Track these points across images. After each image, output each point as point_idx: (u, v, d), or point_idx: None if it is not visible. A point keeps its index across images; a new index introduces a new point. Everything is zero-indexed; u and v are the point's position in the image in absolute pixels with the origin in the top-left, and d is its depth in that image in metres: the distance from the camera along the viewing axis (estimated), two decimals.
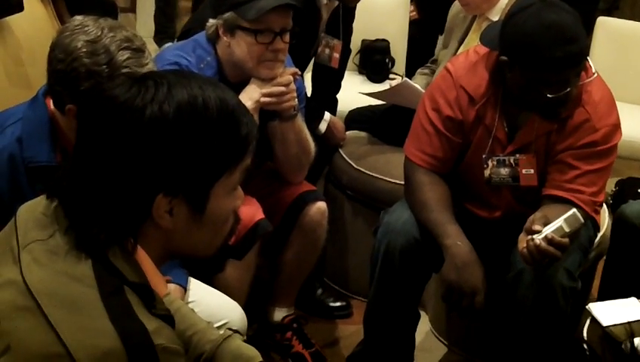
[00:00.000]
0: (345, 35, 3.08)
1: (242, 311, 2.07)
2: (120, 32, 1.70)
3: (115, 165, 1.16)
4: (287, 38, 2.33)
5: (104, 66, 1.66)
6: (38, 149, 1.77)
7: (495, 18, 2.95)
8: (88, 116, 1.20)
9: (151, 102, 1.16)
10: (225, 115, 1.20)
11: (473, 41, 3.01)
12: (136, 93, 1.16)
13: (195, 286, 2.07)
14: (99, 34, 1.68)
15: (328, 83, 3.19)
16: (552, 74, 2.08)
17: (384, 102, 3.30)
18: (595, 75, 2.23)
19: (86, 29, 1.69)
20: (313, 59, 3.09)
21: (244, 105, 1.26)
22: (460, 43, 3.09)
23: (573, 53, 2.06)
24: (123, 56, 1.67)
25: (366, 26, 4.04)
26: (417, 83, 3.15)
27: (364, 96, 3.26)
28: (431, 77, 3.22)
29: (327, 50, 3.02)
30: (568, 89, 2.10)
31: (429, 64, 3.37)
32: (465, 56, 2.37)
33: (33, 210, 1.24)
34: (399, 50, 4.15)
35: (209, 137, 1.18)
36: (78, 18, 1.73)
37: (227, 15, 2.30)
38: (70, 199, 1.19)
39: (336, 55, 3.03)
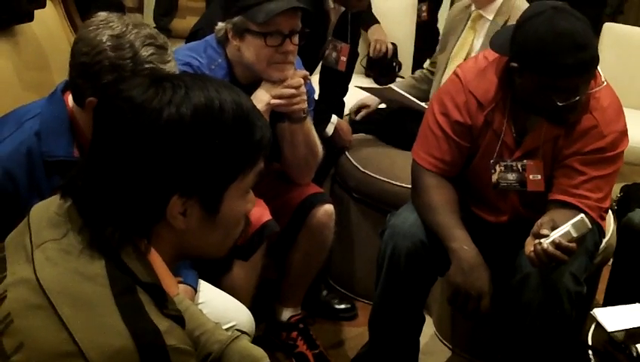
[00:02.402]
0: (352, 39, 3.09)
1: (250, 314, 2.07)
2: (144, 28, 1.73)
3: (131, 166, 1.17)
4: (296, 39, 2.34)
5: (128, 60, 1.68)
6: (56, 144, 1.78)
7: (490, 16, 3.06)
8: (105, 116, 1.21)
9: (168, 104, 1.17)
10: (240, 118, 1.21)
11: (469, 36, 3.07)
12: (154, 95, 1.17)
13: (204, 288, 2.08)
14: (124, 29, 1.70)
15: (335, 86, 3.19)
16: (563, 81, 2.08)
17: (390, 106, 3.32)
18: (605, 83, 2.23)
19: (111, 24, 1.72)
20: (321, 62, 3.10)
21: (258, 109, 1.27)
22: (456, 43, 3.14)
23: (585, 60, 2.06)
24: (147, 51, 1.69)
25: None
26: (406, 79, 3.37)
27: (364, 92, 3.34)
28: (419, 83, 3.35)
29: (334, 54, 3.03)
30: (578, 97, 2.11)
31: (424, 69, 3.40)
32: (474, 61, 2.37)
33: (46, 209, 1.25)
34: (406, 54, 4.17)
35: (224, 140, 1.19)
36: (103, 14, 1.75)
37: (236, 19, 2.31)
38: (85, 198, 1.20)
39: (344, 58, 3.03)
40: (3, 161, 1.76)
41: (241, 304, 2.09)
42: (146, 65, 1.68)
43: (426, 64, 3.45)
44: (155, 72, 1.67)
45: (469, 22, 3.12)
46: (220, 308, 2.00)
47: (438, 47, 3.34)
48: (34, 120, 1.81)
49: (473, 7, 3.12)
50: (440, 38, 3.36)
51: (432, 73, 3.34)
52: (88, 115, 1.74)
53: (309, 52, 2.73)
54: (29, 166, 1.77)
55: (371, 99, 3.32)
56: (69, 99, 1.82)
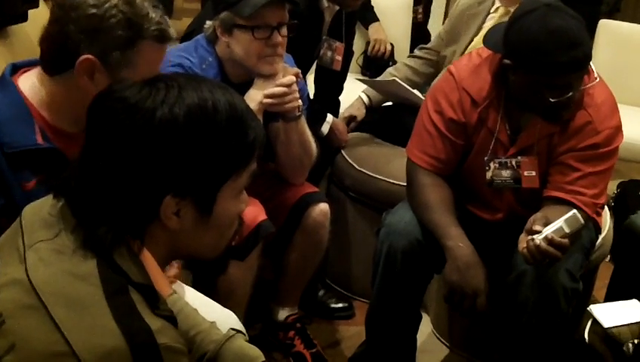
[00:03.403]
0: (347, 38, 3.09)
1: (239, 322, 2.04)
2: None
3: (125, 166, 1.18)
4: (284, 31, 2.34)
5: (144, 19, 1.58)
6: (18, 133, 1.59)
7: None
8: (98, 116, 1.21)
9: (161, 104, 1.17)
10: (234, 118, 1.22)
11: None
12: (147, 95, 1.18)
13: (191, 295, 2.02)
14: None
15: (330, 85, 3.20)
16: (556, 78, 2.08)
17: (385, 104, 3.32)
18: (598, 79, 2.23)
19: None
20: (315, 61, 3.10)
21: (252, 109, 1.28)
22: (474, 37, 3.12)
23: (578, 58, 2.06)
24: (156, 13, 1.61)
25: None
26: (401, 71, 3.29)
27: (362, 85, 3.32)
28: (423, 66, 3.30)
29: (329, 53, 3.03)
30: (571, 93, 2.11)
31: (418, 53, 3.38)
32: (468, 59, 2.38)
33: (39, 210, 1.26)
34: (402, 53, 4.16)
35: (218, 140, 1.20)
36: None
37: (223, 15, 2.31)
38: (78, 198, 1.20)
39: (339, 57, 3.04)
40: None
41: (231, 312, 2.05)
42: (157, 27, 1.60)
43: (418, 52, 3.40)
44: (165, 34, 1.61)
45: (496, 18, 3.09)
46: (207, 316, 1.96)
47: (439, 40, 3.30)
48: None
49: (497, 4, 3.09)
50: (443, 31, 3.32)
51: (424, 60, 3.31)
52: (66, 85, 1.61)
53: (303, 51, 2.73)
54: None
55: (358, 110, 3.28)
56: (20, 82, 1.65)
